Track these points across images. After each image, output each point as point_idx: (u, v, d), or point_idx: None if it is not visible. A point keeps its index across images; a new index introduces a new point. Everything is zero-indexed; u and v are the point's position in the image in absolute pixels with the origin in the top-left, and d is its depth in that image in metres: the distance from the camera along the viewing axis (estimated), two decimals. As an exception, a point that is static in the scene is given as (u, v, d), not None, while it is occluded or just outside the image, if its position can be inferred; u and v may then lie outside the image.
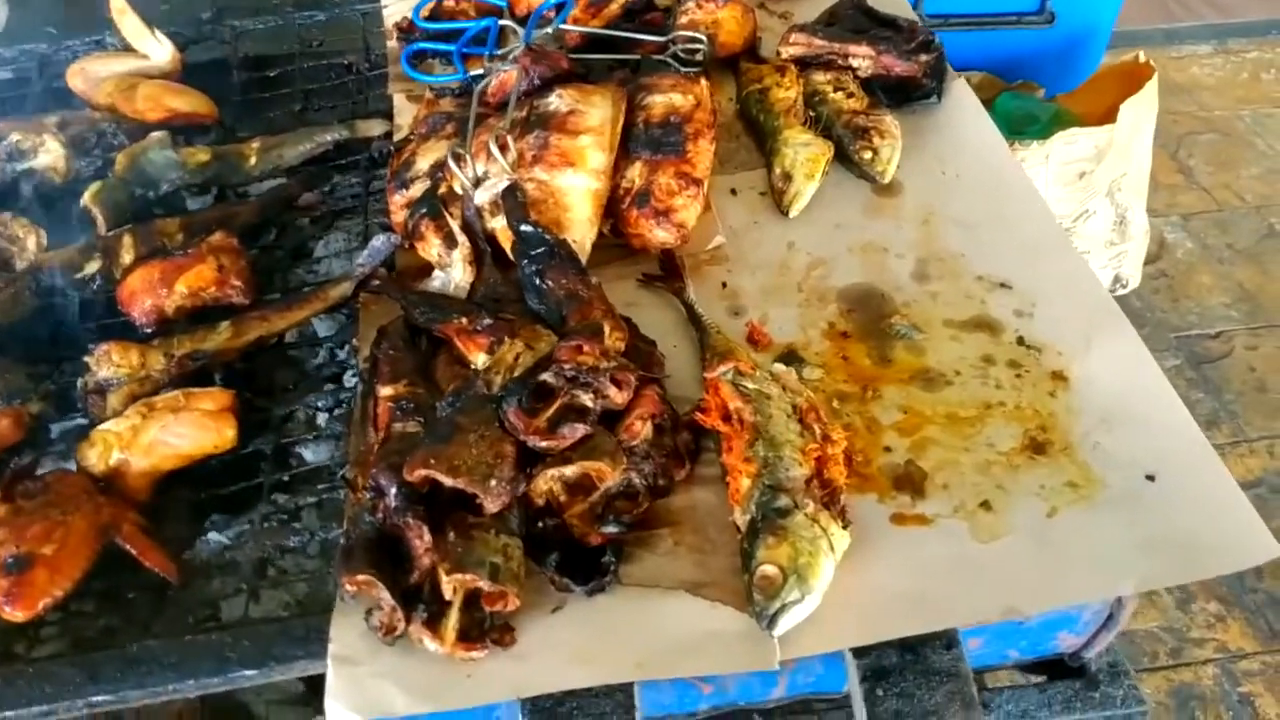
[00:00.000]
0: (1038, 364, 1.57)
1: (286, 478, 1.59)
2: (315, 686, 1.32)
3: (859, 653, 1.32)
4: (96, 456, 1.51)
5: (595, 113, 1.73)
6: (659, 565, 1.37)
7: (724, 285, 1.72)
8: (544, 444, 1.33)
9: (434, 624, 1.27)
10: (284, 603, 1.47)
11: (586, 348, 1.39)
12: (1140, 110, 3.02)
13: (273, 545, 1.47)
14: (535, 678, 1.27)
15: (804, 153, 1.81)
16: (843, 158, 1.87)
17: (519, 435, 1.33)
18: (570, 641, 1.30)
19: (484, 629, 1.29)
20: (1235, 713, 2.91)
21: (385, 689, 1.27)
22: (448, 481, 1.27)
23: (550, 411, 1.35)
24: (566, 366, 1.37)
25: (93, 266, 1.81)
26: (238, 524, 1.52)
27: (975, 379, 1.56)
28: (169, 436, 1.53)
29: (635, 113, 1.78)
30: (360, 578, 1.25)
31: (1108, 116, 3.01)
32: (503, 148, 1.68)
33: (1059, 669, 1.63)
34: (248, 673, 1.31)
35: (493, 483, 1.28)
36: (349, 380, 1.70)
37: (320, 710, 1.29)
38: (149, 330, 1.71)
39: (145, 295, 1.72)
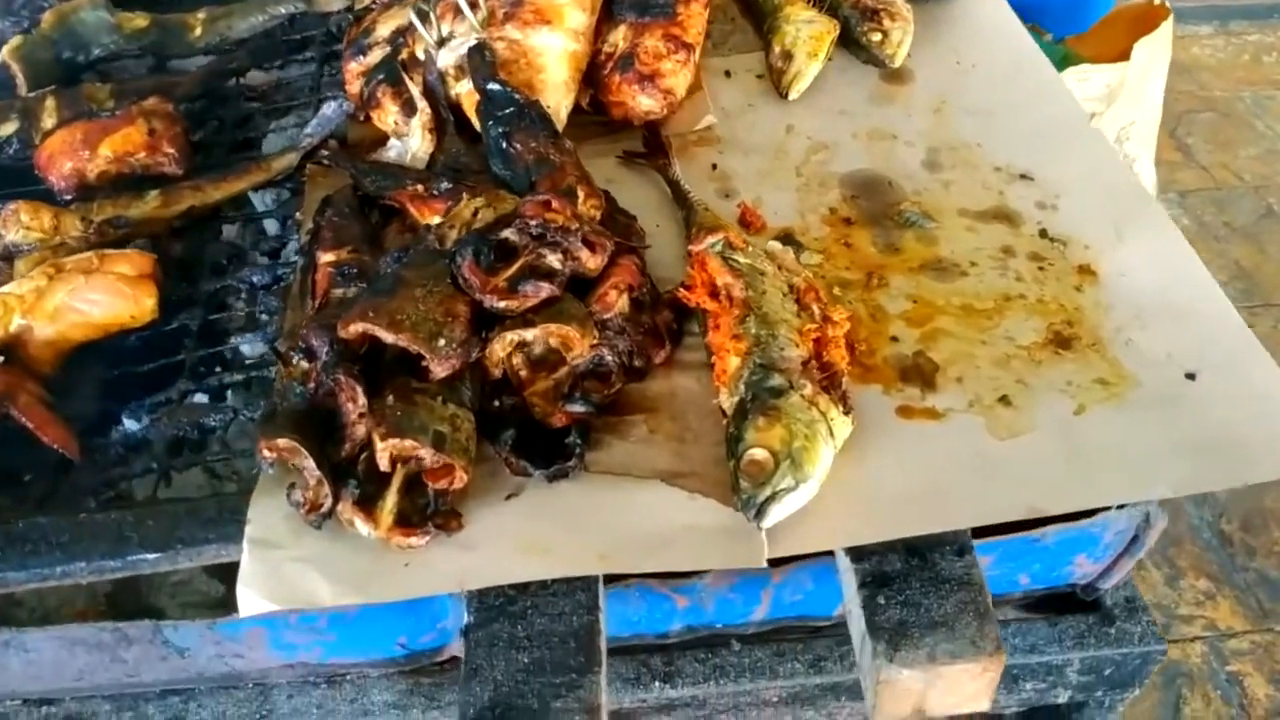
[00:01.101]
0: (1062, 257, 1.40)
1: (212, 356, 1.40)
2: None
3: (858, 556, 1.15)
4: (-6, 322, 1.32)
5: (577, -29, 1.55)
6: (631, 453, 1.19)
7: (714, 167, 1.55)
8: (502, 304, 1.15)
9: (368, 505, 1.09)
10: (200, 488, 1.28)
11: (556, 204, 1.21)
12: (1153, 51, 2.85)
13: (190, 423, 1.28)
14: (483, 568, 1.09)
15: (807, 30, 1.64)
16: (849, 42, 1.69)
17: (474, 293, 1.15)
18: (525, 530, 1.12)
19: (426, 514, 1.11)
20: (1223, 691, 2.76)
21: (307, 576, 1.09)
22: (388, 337, 1.09)
23: (511, 270, 1.17)
24: (532, 222, 1.19)
25: (9, 128, 1.63)
26: (153, 402, 1.33)
27: (993, 270, 1.39)
28: (78, 302, 1.34)
29: (622, -25, 1.60)
30: (281, 442, 1.06)
31: (1119, 60, 2.84)
32: (472, 4, 1.50)
33: (1070, 605, 1.47)
34: (149, 556, 1.12)
35: (441, 342, 1.10)
36: (289, 258, 1.52)
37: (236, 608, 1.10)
38: (68, 198, 1.53)
39: (65, 158, 1.53)
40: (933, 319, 1.33)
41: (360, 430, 1.09)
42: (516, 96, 1.43)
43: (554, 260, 1.19)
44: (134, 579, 1.29)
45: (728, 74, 1.70)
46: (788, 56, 1.63)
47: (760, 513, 1.08)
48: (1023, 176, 1.51)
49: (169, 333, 1.40)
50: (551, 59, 1.50)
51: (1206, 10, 5.40)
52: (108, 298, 1.35)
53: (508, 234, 1.20)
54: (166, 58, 1.81)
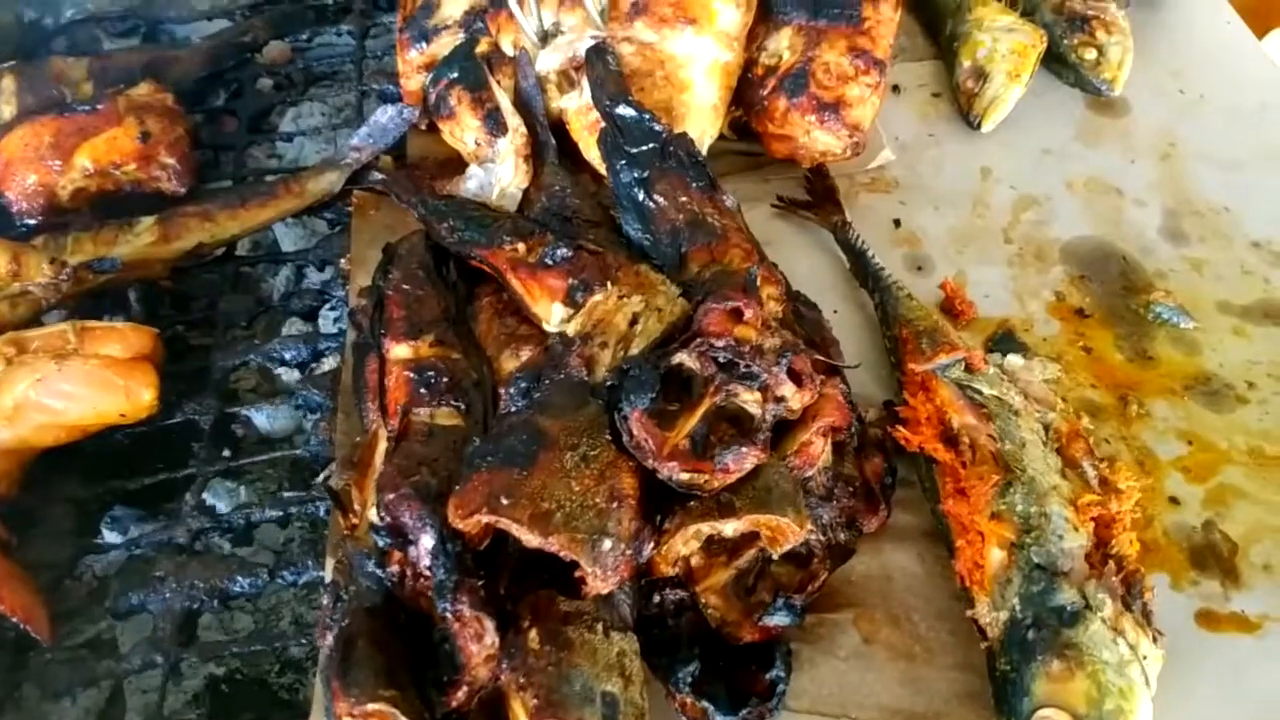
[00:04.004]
0: (1364, 380, 1.07)
1: (232, 471, 1.03)
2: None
3: None
4: (-73, 420, 0.94)
5: (725, -51, 1.16)
6: (843, 677, 0.85)
7: (896, 224, 1.18)
8: (686, 476, 0.79)
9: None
10: (221, 690, 0.92)
11: (750, 314, 0.85)
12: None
13: (206, 588, 0.91)
14: None
15: (1007, 42, 1.26)
16: (1048, 58, 1.31)
17: (647, 460, 0.78)
18: (712, 812, 0.78)
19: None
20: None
21: None
22: (533, 540, 0.73)
23: (694, 420, 0.81)
24: (719, 343, 0.82)
25: (-52, 118, 1.23)
26: (152, 527, 0.97)
27: (1279, 396, 1.05)
28: (49, 397, 0.97)
29: (781, -44, 1.21)
30: (371, 708, 0.70)
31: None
32: (589, -13, 1.12)
33: None
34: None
35: (606, 545, 0.74)
36: (331, 320, 1.14)
37: None
38: (31, 223, 1.14)
39: (28, 168, 1.16)
40: (1217, 470, 1.00)
41: (482, 674, 0.73)
42: (657, 127, 1.05)
43: (748, 399, 0.83)
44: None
45: (896, 89, 1.32)
46: (981, 75, 1.26)
47: (1064, 812, 0.74)
48: (1291, 257, 1.17)
49: (171, 429, 1.03)
50: (697, 72, 1.12)
51: None
52: (90, 390, 0.97)
53: (683, 358, 0.83)
54: (159, 23, 1.40)
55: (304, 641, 0.89)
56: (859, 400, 0.98)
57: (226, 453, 1.09)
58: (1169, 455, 1.00)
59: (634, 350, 0.85)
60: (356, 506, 0.87)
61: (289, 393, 1.12)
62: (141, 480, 1.00)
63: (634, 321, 0.88)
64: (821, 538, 0.87)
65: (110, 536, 1.02)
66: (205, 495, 1.02)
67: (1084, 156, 1.27)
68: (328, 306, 1.15)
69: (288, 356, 1.08)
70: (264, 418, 1.12)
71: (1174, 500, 0.97)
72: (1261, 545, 0.94)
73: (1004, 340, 1.07)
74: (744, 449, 0.79)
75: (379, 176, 1.18)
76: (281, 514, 0.97)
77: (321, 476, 0.97)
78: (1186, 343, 1.09)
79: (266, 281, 1.20)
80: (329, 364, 1.09)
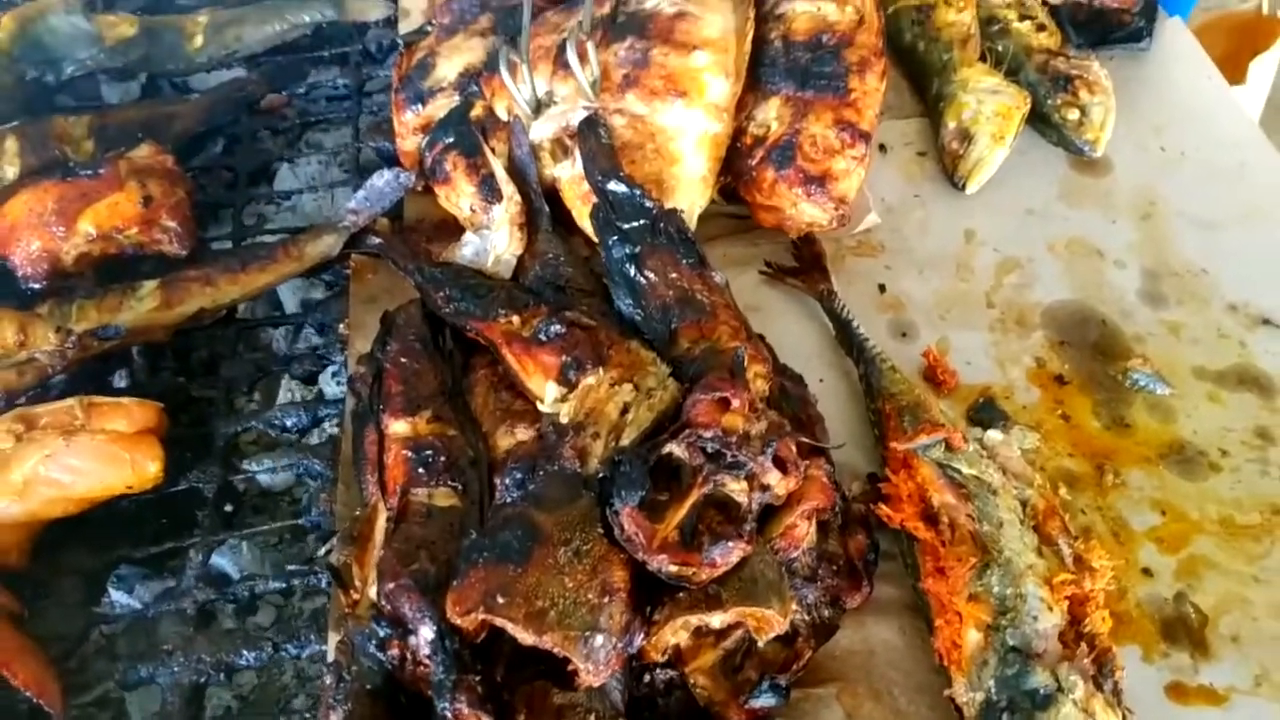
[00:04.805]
0: (1338, 449, 1.10)
1: (237, 539, 1.06)
2: None
3: None
4: (-62, 496, 0.97)
5: (713, 18, 1.19)
6: (826, 753, 0.88)
7: (882, 289, 1.21)
8: (675, 568, 0.82)
9: None
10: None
11: (737, 401, 0.88)
12: (1266, 71, 2.53)
13: (213, 662, 0.94)
14: None
15: (991, 104, 1.29)
16: (1032, 116, 1.33)
17: (638, 553, 0.82)
18: None
19: None
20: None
21: None
22: (528, 639, 0.76)
23: (682, 511, 0.84)
24: (707, 434, 0.86)
25: (-48, 180, 1.26)
26: (160, 587, 1.00)
27: (1251, 464, 1.09)
28: (58, 471, 1.00)
29: (768, 25, 1.23)
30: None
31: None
32: (582, 57, 1.14)
33: None
34: None
35: (598, 641, 0.77)
36: (329, 376, 1.17)
37: None
38: (35, 288, 1.16)
39: (33, 234, 1.18)
40: (1189, 540, 1.03)
41: (481, 766, 0.77)
42: (648, 204, 1.08)
43: (735, 488, 0.86)
44: None
45: (882, 148, 1.35)
46: (966, 137, 1.28)
47: None
48: (1266, 322, 1.20)
49: (176, 496, 1.06)
50: (687, 144, 1.14)
51: None
52: (97, 464, 1.01)
53: (672, 448, 0.86)
54: (159, 76, 1.42)
55: (307, 698, 0.92)
56: (844, 470, 1.02)
57: (229, 508, 1.13)
58: (1143, 526, 1.03)
59: (625, 440, 0.88)
60: (357, 583, 0.90)
61: (290, 445, 1.15)
62: (148, 549, 1.03)
63: (625, 410, 0.90)
64: (806, 617, 0.90)
65: (117, 596, 1.06)
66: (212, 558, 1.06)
67: (1066, 217, 1.29)
68: (328, 369, 1.18)
69: (289, 423, 1.11)
70: (266, 476, 1.15)
71: (1147, 571, 1.01)
72: (1230, 616, 0.98)
73: (985, 409, 1.10)
74: (730, 543, 0.82)
75: (376, 240, 1.21)
76: (285, 585, 1.00)
77: (323, 550, 1.00)
78: (1163, 410, 1.13)
79: (266, 332, 1.23)
80: (329, 428, 1.11)
